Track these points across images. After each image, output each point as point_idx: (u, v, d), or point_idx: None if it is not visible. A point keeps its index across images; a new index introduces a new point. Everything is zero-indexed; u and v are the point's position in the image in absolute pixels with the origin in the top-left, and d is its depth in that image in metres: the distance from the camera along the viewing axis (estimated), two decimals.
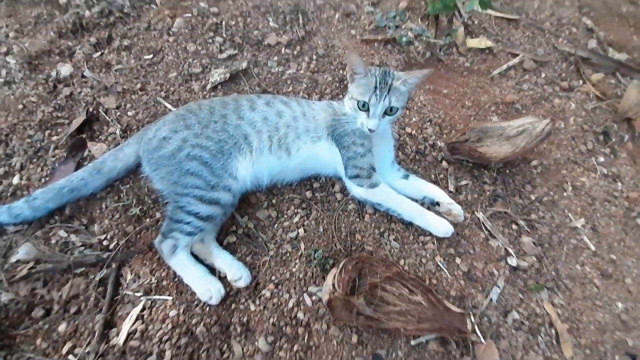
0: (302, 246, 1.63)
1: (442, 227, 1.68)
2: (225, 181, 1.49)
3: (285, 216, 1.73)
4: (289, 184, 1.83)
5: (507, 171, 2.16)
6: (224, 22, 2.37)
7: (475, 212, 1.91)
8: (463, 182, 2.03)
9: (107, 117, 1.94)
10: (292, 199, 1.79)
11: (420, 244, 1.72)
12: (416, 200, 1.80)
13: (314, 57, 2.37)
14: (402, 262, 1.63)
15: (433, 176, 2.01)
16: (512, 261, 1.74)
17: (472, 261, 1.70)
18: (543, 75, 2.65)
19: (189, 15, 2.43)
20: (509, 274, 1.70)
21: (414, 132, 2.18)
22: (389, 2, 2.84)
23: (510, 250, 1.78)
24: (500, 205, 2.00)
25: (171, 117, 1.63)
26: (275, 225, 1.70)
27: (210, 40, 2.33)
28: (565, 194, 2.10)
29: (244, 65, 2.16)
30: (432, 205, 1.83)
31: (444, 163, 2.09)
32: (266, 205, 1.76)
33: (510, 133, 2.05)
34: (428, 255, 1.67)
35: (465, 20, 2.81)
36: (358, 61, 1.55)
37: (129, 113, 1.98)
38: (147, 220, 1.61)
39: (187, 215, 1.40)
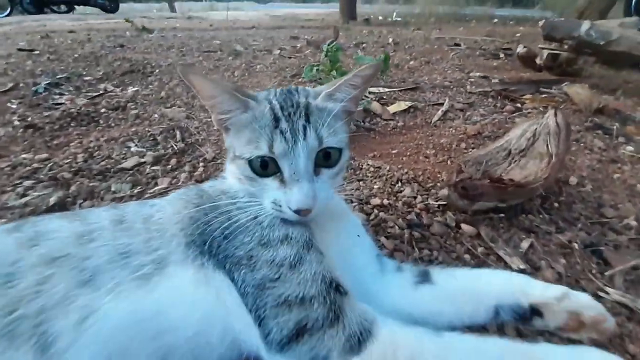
0: None
1: None
2: None
3: None
4: None
5: (554, 204, 1.24)
6: (48, 166, 1.48)
7: (603, 290, 0.81)
8: (524, 245, 1.00)
9: None
10: None
11: None
12: (486, 330, 0.73)
13: (200, 163, 1.51)
14: None
15: (462, 259, 0.95)
16: None
17: None
18: (481, 110, 2.20)
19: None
20: None
21: (386, 201, 1.22)
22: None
23: None
24: (614, 257, 0.94)
25: None
26: None
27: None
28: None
29: (52, 200, 1.16)
30: (525, 322, 0.71)
31: (465, 227, 1.08)
32: None
33: (519, 146, 1.24)
34: None
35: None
36: (215, 86, 0.71)
37: None
38: None
39: None
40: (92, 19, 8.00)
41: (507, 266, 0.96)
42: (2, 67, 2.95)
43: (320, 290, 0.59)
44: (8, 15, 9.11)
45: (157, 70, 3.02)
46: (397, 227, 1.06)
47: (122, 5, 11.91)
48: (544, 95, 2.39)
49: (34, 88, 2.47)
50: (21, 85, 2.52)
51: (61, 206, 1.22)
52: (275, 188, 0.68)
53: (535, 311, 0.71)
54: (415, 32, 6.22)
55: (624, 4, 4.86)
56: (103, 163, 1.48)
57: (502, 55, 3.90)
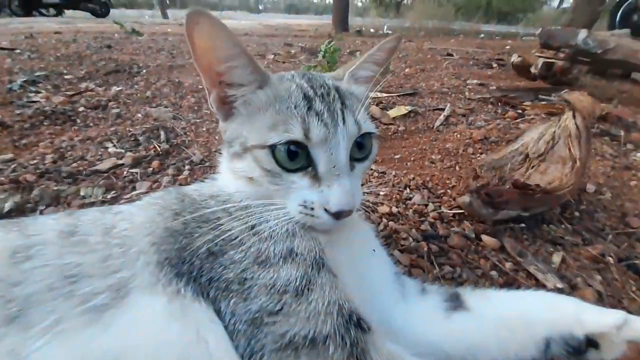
0: None
1: None
2: None
3: None
4: None
5: (575, 213, 1.12)
6: (11, 167, 1.28)
7: None
8: (555, 259, 0.87)
9: None
10: None
11: None
12: None
13: (186, 166, 1.35)
14: None
15: (489, 276, 0.82)
16: None
17: None
18: (483, 116, 2.11)
19: None
20: None
21: (395, 208, 1.08)
22: None
23: None
24: None
25: None
26: None
27: None
28: None
29: (8, 206, 0.97)
30: (579, 355, 0.57)
31: (486, 238, 0.94)
32: None
33: (538, 150, 1.13)
34: None
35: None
36: (234, 43, 0.54)
37: None
38: None
39: None
40: (81, 23, 7.76)
41: (539, 284, 0.82)
42: None
43: (337, 326, 0.43)
44: None
45: (144, 71, 2.84)
46: (411, 238, 0.92)
47: (113, 11, 11.70)
48: (543, 102, 2.32)
49: (8, 85, 2.26)
50: None
51: (18, 213, 1.03)
52: (305, 186, 0.54)
53: (590, 342, 0.57)
54: (407, 43, 6.23)
55: (608, 19, 4.99)
56: (74, 165, 1.29)
57: (495, 64, 3.89)
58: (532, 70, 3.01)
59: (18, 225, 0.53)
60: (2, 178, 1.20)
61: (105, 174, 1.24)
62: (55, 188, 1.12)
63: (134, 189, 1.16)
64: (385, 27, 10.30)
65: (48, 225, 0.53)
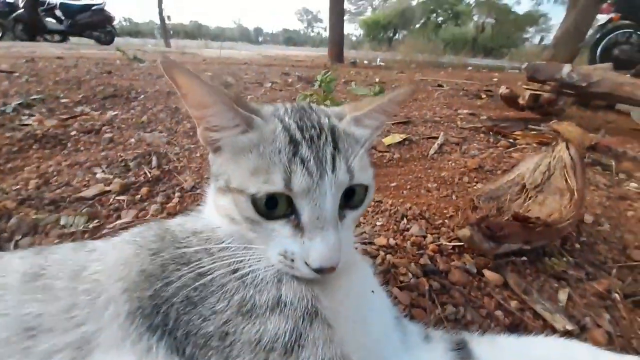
0: None
1: None
2: None
3: None
4: None
5: (575, 245, 1.09)
6: None
7: None
8: (561, 297, 0.82)
9: None
10: None
11: None
12: None
13: (176, 193, 1.29)
14: None
15: (493, 316, 0.76)
16: None
17: None
18: (475, 144, 2.13)
19: None
20: None
21: (392, 240, 1.03)
22: None
23: None
24: None
25: None
26: None
27: None
28: None
29: None
30: None
31: (488, 274, 0.90)
32: None
33: (534, 181, 1.11)
34: None
35: None
36: (208, 91, 0.49)
37: None
38: None
39: None
40: (85, 49, 7.95)
41: (547, 324, 0.77)
42: None
43: None
44: None
45: (142, 96, 2.85)
46: (410, 273, 0.86)
47: (117, 40, 12.07)
48: (533, 132, 2.36)
49: (2, 108, 2.23)
50: None
51: None
52: (286, 235, 0.48)
53: None
54: (398, 74, 6.48)
55: (588, 54, 5.28)
56: (58, 191, 1.23)
57: (484, 95, 4.02)
58: (520, 101, 3.10)
59: None
60: None
61: (90, 201, 1.18)
62: (35, 216, 1.05)
63: (118, 217, 1.10)
64: (379, 59, 10.75)
65: (13, 265, 0.47)
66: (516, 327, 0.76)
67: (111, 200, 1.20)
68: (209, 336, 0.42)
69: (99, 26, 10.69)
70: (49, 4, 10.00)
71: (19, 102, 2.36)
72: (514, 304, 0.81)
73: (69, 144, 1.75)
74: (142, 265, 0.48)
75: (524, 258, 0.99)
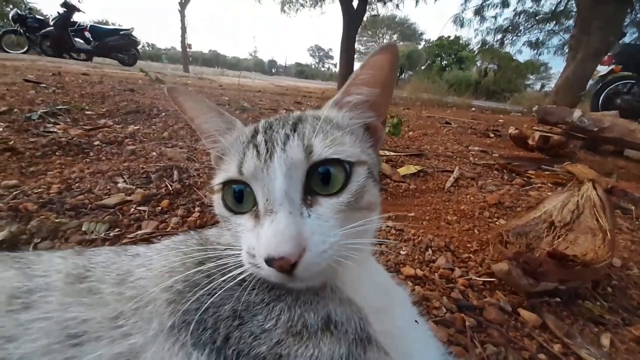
0: None
1: None
2: None
3: None
4: None
5: (607, 288, 1.05)
6: (13, 194, 1.20)
7: None
8: (604, 341, 0.77)
9: None
10: None
11: None
12: None
13: (197, 207, 1.27)
14: None
15: None
16: None
17: None
18: (490, 180, 2.12)
19: None
20: None
21: (419, 271, 0.99)
22: None
23: None
24: None
25: None
26: None
27: None
28: None
29: (1, 236, 0.88)
30: None
31: (524, 313, 0.85)
32: None
33: (563, 219, 1.09)
34: None
35: None
36: (199, 103, 0.55)
37: None
38: None
39: None
40: (108, 69, 8.34)
41: None
42: (1, 93, 2.80)
43: None
44: (25, 53, 9.41)
45: (163, 114, 2.93)
46: (444, 308, 0.82)
47: (140, 62, 12.68)
48: (547, 172, 2.37)
49: (27, 114, 2.28)
50: (15, 110, 2.33)
51: (11, 245, 0.93)
52: (249, 228, 0.44)
53: None
54: (405, 110, 6.68)
55: (590, 101, 5.46)
56: (80, 197, 1.22)
57: (492, 135, 4.09)
58: (530, 142, 3.15)
59: (19, 261, 0.44)
60: (1, 204, 1.12)
61: (112, 210, 1.16)
62: (56, 220, 1.02)
63: (139, 227, 1.07)
64: None
65: (54, 265, 0.44)
66: None
67: (132, 210, 1.18)
68: (261, 358, 0.38)
69: (124, 49, 11.27)
70: (79, 25, 10.63)
71: (45, 110, 2.42)
72: (557, 347, 0.75)
73: (92, 153, 1.76)
74: (187, 276, 0.46)
75: (558, 299, 0.94)
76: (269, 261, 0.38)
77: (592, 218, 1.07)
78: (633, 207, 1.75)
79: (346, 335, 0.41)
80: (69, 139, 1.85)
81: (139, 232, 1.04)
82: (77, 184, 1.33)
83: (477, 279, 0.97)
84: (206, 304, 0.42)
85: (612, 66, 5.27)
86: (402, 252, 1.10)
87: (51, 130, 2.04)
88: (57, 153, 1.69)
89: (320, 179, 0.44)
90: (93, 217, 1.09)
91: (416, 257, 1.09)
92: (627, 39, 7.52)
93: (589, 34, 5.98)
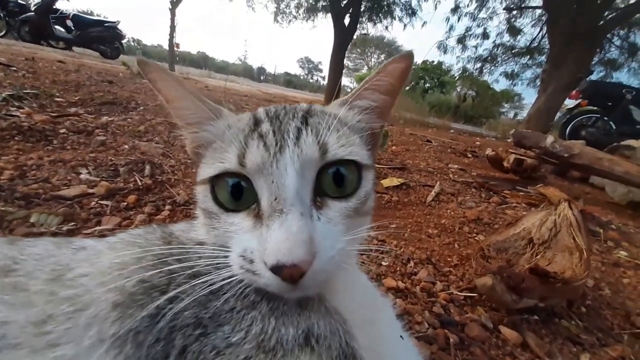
0: None
1: None
2: None
3: None
4: None
5: (582, 308, 1.05)
6: None
7: None
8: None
9: None
10: None
11: None
12: None
13: (167, 206, 1.18)
14: None
15: None
16: None
17: None
18: (469, 197, 2.16)
19: None
20: None
21: (401, 283, 0.95)
22: None
23: None
24: None
25: None
26: None
27: None
28: None
29: None
30: None
31: (505, 331, 0.82)
32: None
33: (542, 237, 1.10)
34: None
35: None
36: (178, 85, 0.47)
37: None
38: None
39: None
40: (88, 59, 7.96)
41: None
42: None
43: None
44: (2, 37, 8.85)
45: (141, 108, 2.79)
46: (426, 323, 0.77)
47: (123, 56, 12.25)
48: (521, 193, 2.45)
49: None
50: None
51: None
52: (247, 229, 0.38)
53: None
54: (390, 126, 6.82)
55: (558, 131, 5.84)
56: (35, 186, 1.09)
57: (470, 155, 4.24)
58: (505, 164, 3.27)
59: None
60: None
61: (69, 202, 1.04)
62: (2, 208, 0.90)
63: (98, 223, 0.96)
64: None
65: None
66: None
67: (93, 203, 1.07)
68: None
69: (107, 41, 10.85)
70: (61, 13, 10.16)
71: (10, 93, 2.22)
72: None
73: (55, 141, 1.61)
74: (143, 274, 0.38)
75: (536, 317, 0.93)
76: (277, 268, 0.33)
77: (569, 237, 1.08)
78: (601, 230, 1.83)
79: (329, 351, 0.36)
80: (31, 124, 1.69)
81: (97, 227, 0.93)
82: (33, 172, 1.20)
83: (459, 293, 0.94)
84: (164, 310, 0.35)
85: (579, 100, 5.69)
86: (383, 263, 1.06)
87: (13, 114, 1.86)
88: (15, 138, 1.53)
89: (333, 180, 0.40)
90: (46, 208, 0.97)
91: (398, 269, 1.05)
92: (594, 77, 8.19)
93: (559, 70, 6.45)
